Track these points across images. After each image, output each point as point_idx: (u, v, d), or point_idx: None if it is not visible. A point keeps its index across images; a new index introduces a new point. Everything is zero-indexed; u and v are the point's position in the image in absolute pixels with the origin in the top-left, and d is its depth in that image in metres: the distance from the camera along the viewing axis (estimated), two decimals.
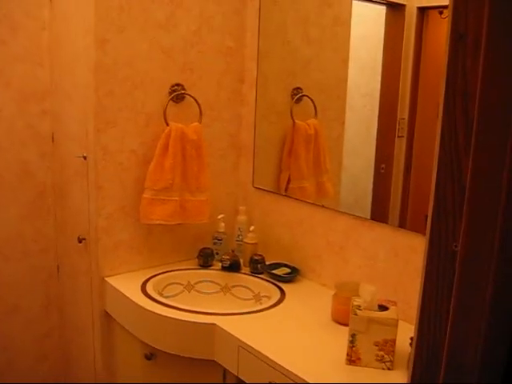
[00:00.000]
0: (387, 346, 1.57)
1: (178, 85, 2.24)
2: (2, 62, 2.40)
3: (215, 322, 1.82)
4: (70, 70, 2.35)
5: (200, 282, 2.28)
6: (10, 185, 2.51)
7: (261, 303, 2.08)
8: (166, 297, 2.10)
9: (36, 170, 2.56)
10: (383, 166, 2.07)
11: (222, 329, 1.79)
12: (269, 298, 2.08)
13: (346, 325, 1.72)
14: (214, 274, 2.30)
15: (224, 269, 2.27)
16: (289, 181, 2.34)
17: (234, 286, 2.26)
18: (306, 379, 1.51)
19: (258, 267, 2.26)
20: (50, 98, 2.52)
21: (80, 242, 2.31)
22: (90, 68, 2.10)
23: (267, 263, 2.27)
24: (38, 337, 2.74)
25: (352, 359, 1.60)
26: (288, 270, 2.23)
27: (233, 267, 2.27)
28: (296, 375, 1.54)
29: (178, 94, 2.24)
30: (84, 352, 2.54)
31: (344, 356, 1.61)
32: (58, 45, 2.43)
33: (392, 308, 1.63)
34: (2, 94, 2.42)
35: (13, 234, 2.56)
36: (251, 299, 2.19)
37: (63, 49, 2.40)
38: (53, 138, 2.55)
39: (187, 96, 2.27)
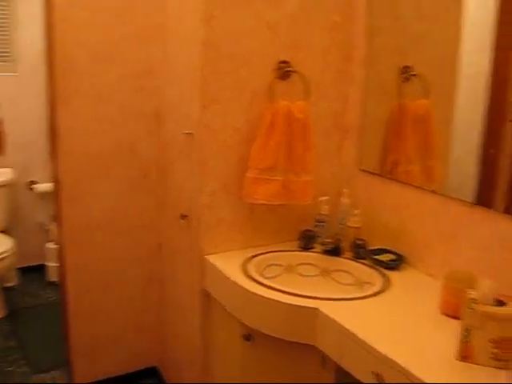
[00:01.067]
0: (504, 345, 1.46)
1: (284, 62, 2.18)
2: (116, 41, 2.43)
3: (318, 307, 1.77)
4: (177, 47, 2.35)
5: (301, 264, 2.23)
6: (117, 160, 2.56)
7: (363, 290, 2.01)
8: (266, 278, 2.06)
9: (142, 148, 2.60)
10: (492, 150, 1.93)
11: (325, 314, 1.74)
12: (372, 284, 2.00)
13: (455, 318, 1.63)
14: (315, 256, 2.24)
15: (326, 252, 2.21)
16: (395, 163, 2.24)
17: (334, 271, 2.19)
18: (412, 372, 1.43)
19: (361, 252, 2.19)
20: (158, 75, 2.54)
21: (182, 218, 2.32)
22: (197, 45, 2.09)
23: (370, 248, 2.19)
24: (140, 311, 2.81)
25: (464, 355, 1.50)
26: (393, 257, 2.14)
27: (335, 251, 2.20)
28: (402, 367, 1.46)
29: (284, 72, 2.18)
30: (183, 329, 2.57)
31: (453, 351, 1.52)
32: (169, 22, 2.44)
33: (510, 304, 1.52)
34: (114, 72, 2.46)
35: (120, 209, 2.63)
36: (352, 285, 2.12)
37: (173, 26, 2.40)
38: (159, 115, 2.57)
39: (292, 73, 2.20)
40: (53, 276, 4.07)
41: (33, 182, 4.14)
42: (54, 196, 2.64)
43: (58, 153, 2.48)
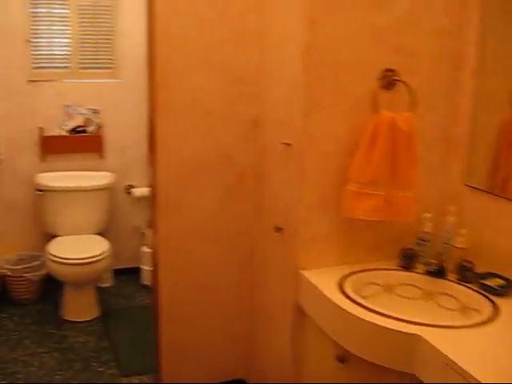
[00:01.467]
0: None
1: (389, 70, 2.07)
2: (213, 48, 2.42)
3: (419, 333, 1.65)
4: (277, 52, 2.30)
5: (401, 284, 2.10)
6: (213, 167, 2.55)
7: (469, 317, 1.86)
8: (364, 297, 1.95)
9: (237, 154, 2.57)
10: None
11: (428, 342, 1.61)
12: (478, 311, 1.84)
13: None
14: (416, 277, 2.10)
15: (429, 273, 2.07)
16: (507, 180, 2.07)
17: (437, 294, 2.05)
18: None
19: (467, 275, 2.03)
20: (255, 82, 2.50)
21: (277, 231, 2.26)
22: (300, 50, 2.03)
23: (478, 272, 2.03)
24: (229, 318, 2.78)
25: None
26: (502, 282, 1.97)
27: (439, 272, 2.06)
28: None
29: (389, 81, 2.07)
30: (273, 341, 2.51)
31: None
32: (267, 27, 2.39)
33: None
34: (211, 78, 2.45)
35: (213, 215, 2.61)
36: (457, 310, 1.97)
37: (272, 31, 2.35)
38: (256, 122, 2.53)
39: (397, 82, 2.09)
40: (147, 279, 4.13)
41: (130, 186, 4.23)
42: (150, 201, 2.66)
43: (155, 158, 2.49)
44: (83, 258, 3.48)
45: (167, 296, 2.65)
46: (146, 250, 4.15)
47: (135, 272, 4.30)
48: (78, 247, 3.70)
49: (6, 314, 3.74)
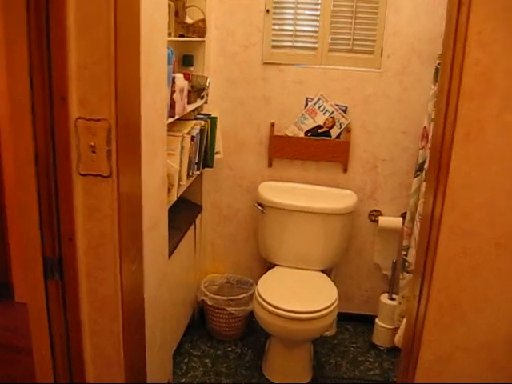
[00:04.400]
0: None
1: None
2: None
3: None
4: None
5: None
6: None
7: None
8: None
9: None
10: None
11: None
12: None
13: None
14: None
15: None
16: None
17: None
18: None
19: None
20: None
21: None
22: None
23: None
24: None
25: None
26: None
27: None
28: None
29: None
30: None
31: None
32: None
33: None
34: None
35: None
36: None
37: None
38: None
39: None
40: (379, 338, 3.09)
41: (377, 213, 3.15)
42: (417, 264, 1.58)
43: (438, 189, 1.41)
44: (299, 312, 2.50)
45: None
46: (385, 300, 3.08)
47: (366, 322, 3.27)
48: (296, 292, 2.76)
49: (198, 352, 2.98)
